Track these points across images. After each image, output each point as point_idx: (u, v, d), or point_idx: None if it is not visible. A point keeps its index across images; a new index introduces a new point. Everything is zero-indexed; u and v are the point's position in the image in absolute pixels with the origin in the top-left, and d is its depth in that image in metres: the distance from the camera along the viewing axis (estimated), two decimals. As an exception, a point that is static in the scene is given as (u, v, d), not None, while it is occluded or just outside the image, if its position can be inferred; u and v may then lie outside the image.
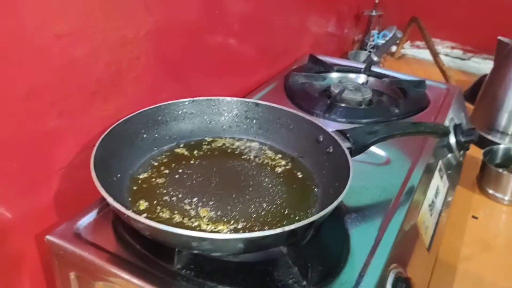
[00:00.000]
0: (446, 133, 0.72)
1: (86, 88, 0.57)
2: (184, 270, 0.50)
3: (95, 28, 0.55)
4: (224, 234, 0.51)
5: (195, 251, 0.50)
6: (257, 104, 0.70)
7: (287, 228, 0.45)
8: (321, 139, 0.64)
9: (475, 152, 1.05)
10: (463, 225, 0.89)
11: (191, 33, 0.75)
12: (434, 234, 0.73)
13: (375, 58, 1.33)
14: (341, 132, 0.63)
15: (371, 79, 1.03)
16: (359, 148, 0.62)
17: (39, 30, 0.48)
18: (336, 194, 0.51)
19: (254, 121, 0.71)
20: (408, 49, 1.77)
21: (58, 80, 0.53)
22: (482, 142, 1.08)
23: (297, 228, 0.46)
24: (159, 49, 0.68)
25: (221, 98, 0.70)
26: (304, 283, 0.49)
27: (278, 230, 0.44)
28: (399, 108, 0.87)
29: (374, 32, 1.55)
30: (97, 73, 0.58)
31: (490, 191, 0.96)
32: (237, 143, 0.69)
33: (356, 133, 0.63)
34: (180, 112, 0.68)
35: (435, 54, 1.41)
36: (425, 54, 1.72)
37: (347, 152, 0.58)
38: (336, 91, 0.91)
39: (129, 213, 0.45)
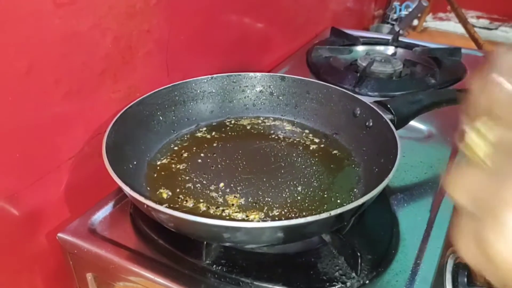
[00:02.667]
0: (496, 100, 0.64)
1: (93, 65, 0.51)
2: (214, 266, 0.44)
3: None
4: (261, 222, 0.44)
5: (227, 244, 0.44)
6: (282, 78, 0.63)
7: (333, 212, 0.38)
8: (359, 112, 0.57)
9: None
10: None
11: (207, 6, 0.68)
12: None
13: (400, 31, 1.25)
14: (380, 103, 0.56)
15: (400, 50, 0.95)
16: (402, 120, 0.55)
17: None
18: (382, 171, 0.45)
19: (281, 97, 0.64)
20: (430, 22, 1.68)
21: (60, 56, 0.46)
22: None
23: (345, 212, 0.39)
24: (172, 22, 0.61)
25: (242, 73, 0.64)
26: (353, 274, 0.43)
27: (324, 215, 0.38)
28: (435, 78, 0.80)
29: (396, 4, 1.46)
30: (105, 49, 0.51)
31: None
32: (263, 122, 0.63)
33: (397, 103, 0.56)
34: (198, 91, 0.62)
35: (465, 21, 1.32)
36: (449, 26, 1.63)
37: (390, 123, 0.52)
38: (364, 64, 0.84)
39: (150, 203, 0.39)
